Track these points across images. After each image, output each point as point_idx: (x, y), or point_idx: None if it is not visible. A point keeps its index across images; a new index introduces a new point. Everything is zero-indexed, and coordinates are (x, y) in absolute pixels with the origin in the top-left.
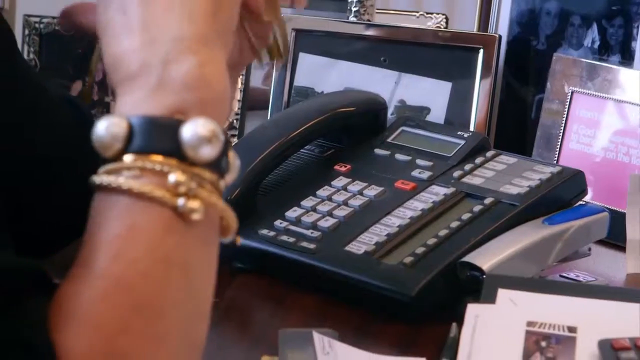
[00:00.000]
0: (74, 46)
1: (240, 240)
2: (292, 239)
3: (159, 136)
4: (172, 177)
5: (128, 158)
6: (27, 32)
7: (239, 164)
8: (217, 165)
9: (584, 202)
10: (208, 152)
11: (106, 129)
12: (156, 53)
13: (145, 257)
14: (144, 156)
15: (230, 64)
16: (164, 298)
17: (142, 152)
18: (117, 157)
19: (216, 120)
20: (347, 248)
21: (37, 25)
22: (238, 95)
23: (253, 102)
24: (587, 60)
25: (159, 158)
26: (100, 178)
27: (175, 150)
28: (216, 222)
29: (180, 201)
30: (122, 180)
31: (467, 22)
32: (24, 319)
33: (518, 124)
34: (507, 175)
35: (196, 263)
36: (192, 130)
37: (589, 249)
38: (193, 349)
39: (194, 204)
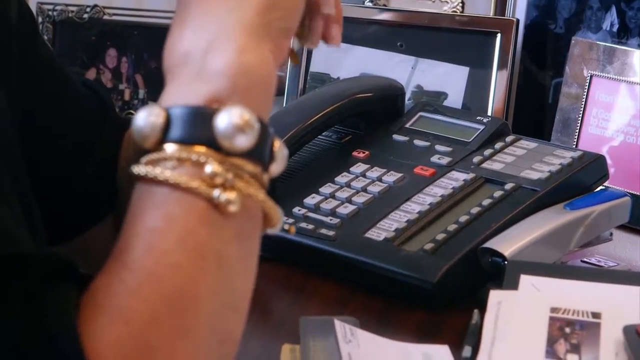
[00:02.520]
0: (88, 34)
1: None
2: (311, 226)
3: (195, 126)
4: (209, 168)
5: (166, 148)
6: (40, 19)
7: (286, 154)
8: (258, 155)
9: (605, 187)
10: (243, 142)
11: (145, 119)
12: (200, 41)
13: (176, 248)
14: (181, 146)
15: None
16: (195, 290)
17: (179, 142)
18: (156, 148)
19: (255, 108)
20: (366, 235)
21: (50, 12)
22: None
23: None
24: (606, 44)
25: (196, 148)
26: (139, 168)
27: (211, 141)
28: (256, 214)
29: (216, 192)
30: (158, 171)
31: (482, 7)
32: (49, 308)
33: (536, 108)
34: (527, 161)
35: (232, 255)
36: (226, 119)
37: (611, 234)
38: (226, 342)
39: (230, 195)
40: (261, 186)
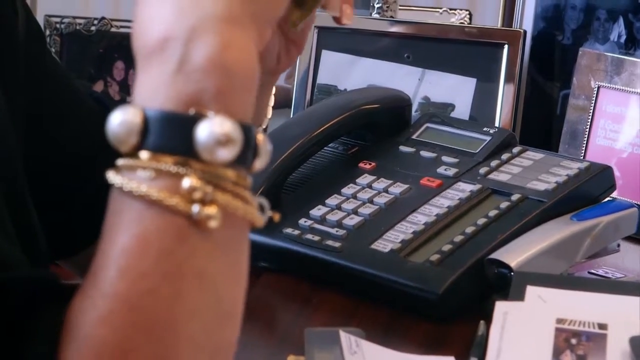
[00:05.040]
0: (95, 46)
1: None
2: (317, 238)
3: (173, 134)
4: (187, 182)
5: (143, 156)
6: (48, 32)
7: (270, 148)
8: (240, 162)
9: (612, 198)
10: (224, 155)
11: (120, 123)
12: (182, 26)
13: (153, 271)
14: (159, 155)
15: (268, 70)
16: (173, 314)
17: (157, 150)
18: (133, 152)
19: (239, 111)
20: (372, 246)
21: (58, 25)
22: (272, 102)
23: (276, 100)
24: (613, 55)
25: (174, 159)
26: (114, 178)
27: (190, 151)
28: (240, 223)
29: (195, 208)
30: (134, 185)
31: (490, 18)
32: (30, 337)
33: (543, 120)
34: (534, 172)
35: (214, 269)
36: (207, 130)
37: (618, 245)
38: (218, 352)
39: (210, 210)
40: (244, 188)
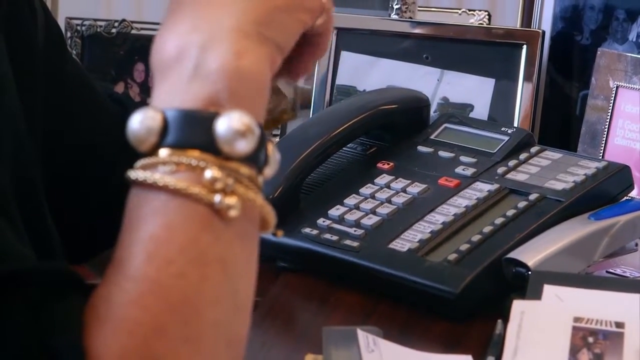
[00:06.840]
0: (116, 48)
1: (282, 234)
2: (335, 237)
3: (193, 130)
4: (209, 173)
5: (163, 152)
6: (69, 34)
7: (278, 157)
8: (255, 160)
9: (630, 197)
10: (243, 147)
11: (141, 122)
12: (195, 39)
13: (179, 257)
14: (179, 151)
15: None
16: (200, 298)
17: (177, 146)
18: (153, 151)
19: (253, 113)
20: (390, 246)
21: (79, 27)
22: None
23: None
24: (632, 55)
25: (194, 153)
26: (136, 173)
27: (210, 145)
28: (255, 217)
29: (217, 198)
30: (157, 177)
31: (509, 18)
32: (53, 324)
33: (562, 120)
34: (552, 171)
35: (234, 260)
36: (226, 124)
37: (636, 244)
38: (233, 344)
39: (231, 200)
40: (258, 189)
